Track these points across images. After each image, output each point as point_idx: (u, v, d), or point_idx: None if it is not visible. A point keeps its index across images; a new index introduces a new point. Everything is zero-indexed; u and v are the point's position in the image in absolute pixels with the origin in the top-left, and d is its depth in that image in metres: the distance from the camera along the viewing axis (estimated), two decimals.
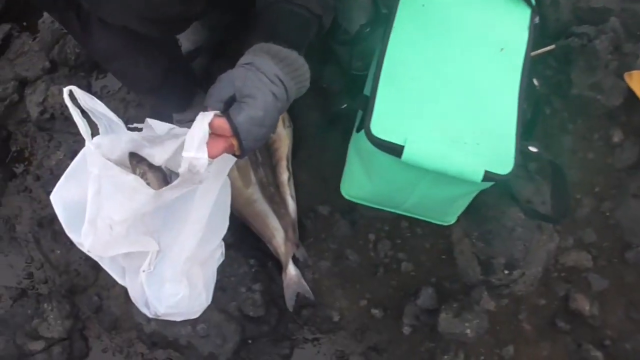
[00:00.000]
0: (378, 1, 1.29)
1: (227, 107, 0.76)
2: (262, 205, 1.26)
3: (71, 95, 0.84)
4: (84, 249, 0.94)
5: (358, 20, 1.23)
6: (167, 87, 1.13)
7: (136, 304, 1.02)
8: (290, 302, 1.22)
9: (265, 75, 0.76)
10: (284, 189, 1.28)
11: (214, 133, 0.74)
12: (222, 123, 0.74)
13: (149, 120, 0.93)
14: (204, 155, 0.73)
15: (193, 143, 0.73)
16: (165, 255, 0.99)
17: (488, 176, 0.92)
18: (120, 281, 1.04)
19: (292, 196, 1.28)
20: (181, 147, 0.79)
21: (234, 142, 0.76)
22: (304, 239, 1.28)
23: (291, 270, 1.23)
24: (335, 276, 1.25)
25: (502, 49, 1.03)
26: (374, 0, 1.28)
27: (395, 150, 0.92)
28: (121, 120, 0.91)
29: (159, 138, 0.90)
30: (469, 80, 1.00)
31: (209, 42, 1.37)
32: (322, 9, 0.86)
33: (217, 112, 0.75)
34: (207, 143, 0.73)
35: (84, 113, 0.85)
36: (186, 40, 1.37)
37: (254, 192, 1.26)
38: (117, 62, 1.03)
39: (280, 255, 1.24)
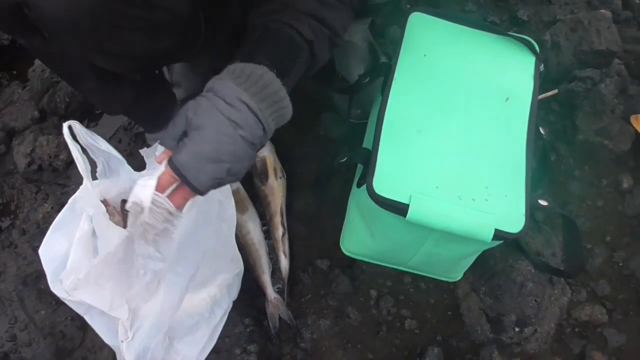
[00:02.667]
0: (377, 50, 1.27)
1: None
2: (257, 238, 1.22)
3: (71, 131, 0.80)
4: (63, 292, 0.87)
5: (356, 69, 1.20)
6: (139, 109, 1.07)
7: None
8: (274, 328, 1.18)
9: (223, 100, 0.67)
10: (278, 245, 1.23)
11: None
12: (167, 174, 0.67)
13: (142, 151, 0.88)
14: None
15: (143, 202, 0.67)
16: (147, 319, 0.92)
17: (498, 235, 0.86)
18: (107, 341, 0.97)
19: (285, 253, 1.23)
20: None
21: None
22: (302, 296, 1.22)
23: (271, 295, 1.18)
24: (336, 336, 1.18)
25: (507, 99, 0.99)
26: (372, 50, 1.25)
27: (399, 209, 0.86)
28: (122, 157, 0.87)
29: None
30: (474, 133, 0.95)
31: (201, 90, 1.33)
32: (314, 35, 0.80)
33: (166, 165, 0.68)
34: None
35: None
36: (176, 87, 1.33)
37: (249, 220, 1.22)
38: (84, 84, 0.94)
39: (261, 283, 1.20)
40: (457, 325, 1.17)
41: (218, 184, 0.69)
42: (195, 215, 0.88)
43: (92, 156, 0.88)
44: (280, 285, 1.21)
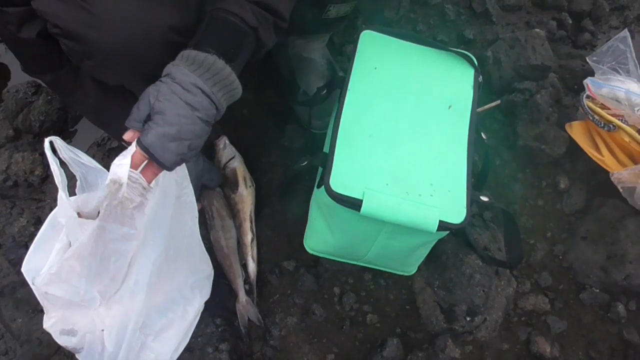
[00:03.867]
0: (335, 66, 1.38)
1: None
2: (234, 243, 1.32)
3: (52, 146, 0.87)
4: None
5: (316, 82, 1.30)
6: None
7: None
8: (243, 328, 1.25)
9: (180, 86, 0.77)
10: (247, 250, 1.31)
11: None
12: (138, 154, 0.76)
13: None
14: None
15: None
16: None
17: (442, 226, 0.96)
18: None
19: (253, 258, 1.30)
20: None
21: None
22: (270, 296, 1.29)
23: (242, 298, 1.26)
24: (302, 332, 1.26)
25: (450, 107, 1.11)
26: (330, 66, 1.36)
27: (354, 204, 0.96)
28: (103, 168, 0.93)
29: None
30: (421, 136, 1.06)
31: None
32: (257, 22, 0.87)
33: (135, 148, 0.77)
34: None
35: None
36: None
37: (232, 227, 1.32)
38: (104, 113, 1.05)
39: (235, 286, 1.27)
40: (414, 317, 1.26)
41: (181, 159, 0.80)
42: (157, 194, 0.96)
43: (71, 170, 0.95)
44: (248, 287, 1.29)
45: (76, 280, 0.92)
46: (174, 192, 1.01)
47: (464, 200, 1.00)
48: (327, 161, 1.00)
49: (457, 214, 0.98)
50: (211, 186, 1.30)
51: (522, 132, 1.37)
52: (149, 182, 0.81)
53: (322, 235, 1.14)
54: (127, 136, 0.79)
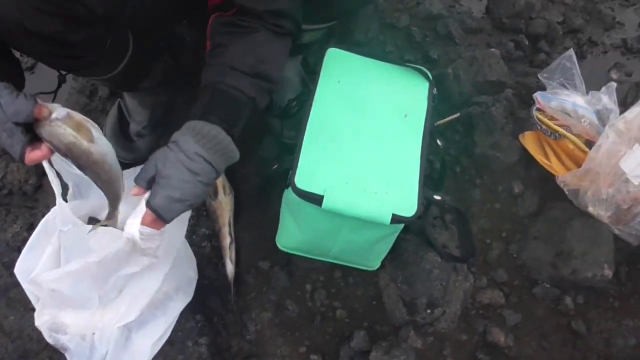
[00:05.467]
0: (308, 83, 1.51)
1: (150, 185, 0.89)
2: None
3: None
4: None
5: (287, 95, 1.42)
6: None
7: None
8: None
9: (185, 154, 0.88)
10: (225, 252, 1.41)
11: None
12: (148, 216, 0.88)
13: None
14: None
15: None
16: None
17: (395, 219, 1.08)
18: None
19: (231, 260, 1.40)
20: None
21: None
22: (247, 294, 1.39)
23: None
24: (277, 326, 1.36)
25: (405, 115, 1.23)
26: (304, 83, 1.49)
27: (316, 199, 1.08)
28: None
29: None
30: (379, 141, 1.18)
31: (151, 121, 1.53)
32: (255, 92, 0.99)
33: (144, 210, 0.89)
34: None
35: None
36: (132, 121, 1.53)
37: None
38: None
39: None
40: (380, 312, 1.36)
41: (182, 212, 0.91)
42: None
43: (64, 180, 1.05)
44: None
45: (85, 283, 1.03)
46: None
47: (416, 197, 1.12)
48: (293, 163, 1.12)
49: (409, 208, 1.10)
50: None
51: (479, 142, 1.50)
52: (160, 230, 0.92)
53: (291, 232, 1.25)
54: (134, 192, 0.90)
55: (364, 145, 1.17)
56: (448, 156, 1.50)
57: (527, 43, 1.81)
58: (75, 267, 0.99)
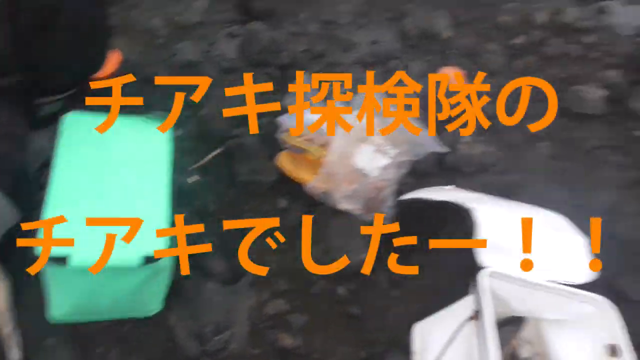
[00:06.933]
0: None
1: None
2: None
3: None
4: None
5: (34, 164, 1.43)
6: None
7: None
8: None
9: None
10: (10, 340, 1.35)
11: None
12: None
13: None
14: None
15: None
16: None
17: (147, 259, 1.14)
18: None
19: (18, 345, 1.35)
20: None
21: None
22: None
23: None
24: None
25: (149, 160, 1.31)
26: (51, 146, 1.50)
27: (63, 261, 1.10)
28: None
29: None
30: (125, 191, 1.25)
31: None
32: None
33: None
34: None
35: None
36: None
37: None
38: None
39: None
40: (175, 351, 1.40)
41: None
42: None
43: None
44: None
45: None
46: None
47: (166, 239, 1.19)
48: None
49: (158, 247, 1.17)
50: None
51: (239, 170, 1.63)
52: None
53: (57, 300, 1.25)
54: None
55: (111, 198, 1.22)
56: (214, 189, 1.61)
57: (279, 74, 2.01)
58: None
